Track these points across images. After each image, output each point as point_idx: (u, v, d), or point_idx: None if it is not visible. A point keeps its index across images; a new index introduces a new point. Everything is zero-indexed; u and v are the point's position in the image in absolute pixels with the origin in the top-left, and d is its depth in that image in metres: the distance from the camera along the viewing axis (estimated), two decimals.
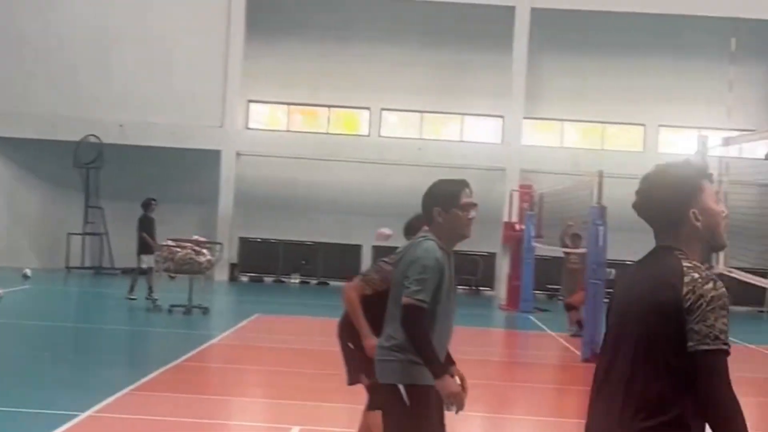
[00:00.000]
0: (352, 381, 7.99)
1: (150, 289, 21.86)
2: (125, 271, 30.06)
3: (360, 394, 8.83)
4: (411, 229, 6.98)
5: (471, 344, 19.15)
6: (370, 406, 7.68)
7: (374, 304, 7.14)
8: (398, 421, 4.51)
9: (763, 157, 30.64)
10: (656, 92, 32.20)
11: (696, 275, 3.69)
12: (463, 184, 6.03)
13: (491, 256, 31.90)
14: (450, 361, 6.07)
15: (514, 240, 27.43)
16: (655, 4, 31.38)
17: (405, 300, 5.55)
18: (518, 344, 21.24)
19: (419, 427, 4.98)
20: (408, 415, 4.29)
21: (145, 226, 22.51)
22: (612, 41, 32.37)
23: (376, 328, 6.71)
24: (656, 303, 3.70)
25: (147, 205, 22.79)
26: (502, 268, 30.27)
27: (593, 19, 31.92)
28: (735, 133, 11.85)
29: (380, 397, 5.86)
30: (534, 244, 25.26)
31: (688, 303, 3.64)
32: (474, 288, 32.35)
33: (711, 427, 3.61)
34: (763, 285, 16.10)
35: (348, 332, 7.86)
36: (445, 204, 5.85)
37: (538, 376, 15.92)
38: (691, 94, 32.04)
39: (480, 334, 21.54)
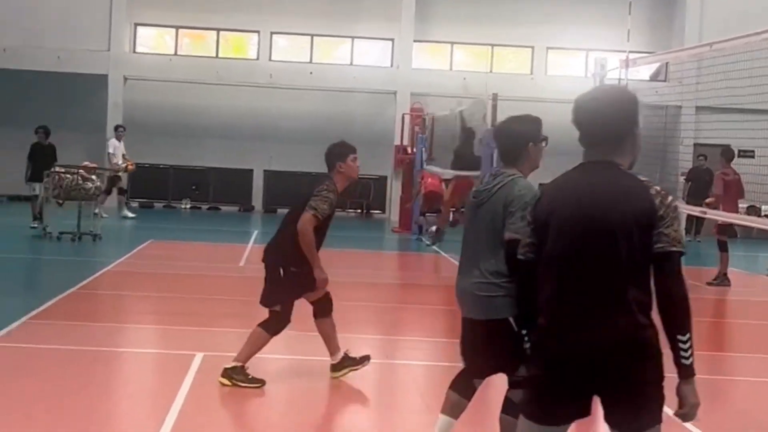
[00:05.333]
0: (268, 304, 8.85)
1: (34, 216, 21.62)
2: (11, 198, 29.67)
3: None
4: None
5: (365, 267, 19.35)
6: (264, 325, 8.80)
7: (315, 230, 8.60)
8: (514, 350, 4.73)
9: (648, 78, 31.28)
10: (545, 15, 32.45)
11: (657, 188, 4.21)
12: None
13: (382, 180, 32.07)
14: None
15: (406, 163, 27.60)
16: None
17: (513, 236, 5.62)
18: (411, 266, 21.48)
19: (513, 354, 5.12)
20: (520, 342, 4.53)
21: (32, 153, 22.25)
22: None
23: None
24: (636, 213, 4.15)
25: (36, 133, 22.55)
26: (394, 191, 30.45)
27: None
28: (633, 56, 12.07)
29: (484, 332, 6.02)
30: (426, 167, 25.41)
31: (660, 211, 4.15)
32: (366, 211, 32.55)
33: (671, 317, 4.20)
34: None
35: (284, 259, 8.73)
36: (536, 139, 6.11)
37: (432, 297, 16.15)
38: (584, 16, 32.30)
39: (373, 257, 21.75)
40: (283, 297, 8.79)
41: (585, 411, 4.32)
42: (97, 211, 24.99)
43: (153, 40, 33.35)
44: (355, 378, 9.98)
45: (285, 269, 8.76)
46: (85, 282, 14.70)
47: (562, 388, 4.26)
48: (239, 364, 8.73)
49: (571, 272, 4.24)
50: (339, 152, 9.02)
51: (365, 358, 9.29)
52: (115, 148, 26.56)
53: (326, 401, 8.71)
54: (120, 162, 26.41)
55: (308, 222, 8.66)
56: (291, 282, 8.76)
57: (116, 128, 27.09)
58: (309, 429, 7.78)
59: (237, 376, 8.68)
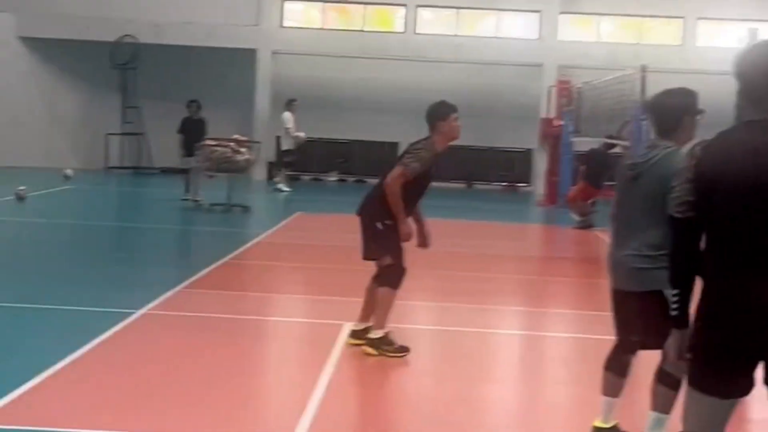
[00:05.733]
0: (373, 258, 9.05)
1: (187, 188, 22.15)
2: (164, 171, 30.47)
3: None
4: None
5: (512, 240, 19.35)
6: (378, 281, 8.98)
7: (403, 188, 8.67)
8: (663, 325, 4.74)
9: None
10: None
11: None
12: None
13: (528, 152, 31.91)
14: None
15: (552, 136, 27.42)
16: None
17: None
18: (556, 239, 21.38)
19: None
20: (668, 318, 4.52)
21: (183, 127, 22.77)
22: None
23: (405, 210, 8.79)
24: None
25: (187, 107, 23.05)
26: (540, 164, 30.26)
27: None
28: None
29: (638, 304, 6.03)
30: (572, 139, 25.22)
31: None
32: (511, 184, 32.46)
33: None
34: None
35: (381, 214, 8.82)
36: (692, 111, 6.10)
37: (577, 270, 16.08)
38: None
39: (519, 230, 21.72)
40: (389, 249, 8.85)
41: (752, 383, 4.22)
42: (279, 186, 25.93)
43: (300, 15, 33.73)
44: (500, 349, 10.08)
45: (382, 223, 8.82)
46: (235, 253, 15.05)
47: (733, 354, 4.16)
48: (382, 332, 8.84)
49: (743, 235, 4.13)
50: (440, 111, 8.97)
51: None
52: (291, 121, 27.09)
53: (470, 372, 8.77)
54: (302, 135, 26.99)
55: (396, 177, 8.70)
56: (391, 233, 8.81)
57: (290, 102, 27.48)
58: (456, 400, 7.85)
59: (383, 345, 8.78)
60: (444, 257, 15.88)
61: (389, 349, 8.77)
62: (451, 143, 9.06)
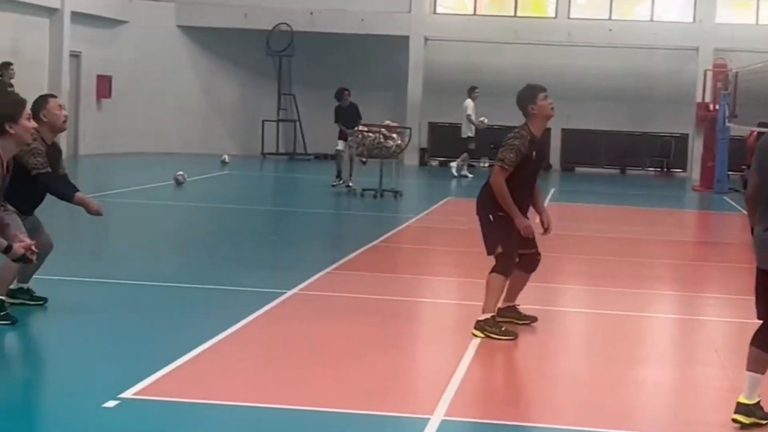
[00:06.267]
0: (491, 251, 8.97)
1: (339, 173, 22.54)
2: (317, 157, 30.96)
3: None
4: None
5: (666, 225, 19.12)
6: (496, 270, 8.83)
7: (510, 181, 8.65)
8: None
9: None
10: None
11: None
12: None
13: (684, 137, 31.38)
14: None
15: (708, 121, 26.92)
16: None
17: None
18: (713, 225, 21.05)
19: None
20: None
21: (338, 116, 23.12)
22: None
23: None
24: None
25: (339, 95, 23.30)
26: (695, 149, 29.73)
27: None
28: None
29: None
30: (728, 124, 24.73)
31: None
32: (666, 169, 31.97)
33: None
34: None
35: (491, 207, 8.89)
36: None
37: (731, 255, 15.80)
38: None
39: (674, 216, 21.44)
40: (500, 239, 8.81)
41: None
42: (460, 173, 26.07)
43: (453, 1, 33.78)
44: (651, 332, 10.06)
45: (494, 215, 8.85)
46: (385, 236, 15.26)
47: None
48: (491, 315, 8.83)
49: None
50: (528, 94, 9.14)
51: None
52: (472, 108, 27.36)
53: (621, 354, 8.74)
54: (485, 120, 27.15)
55: (497, 174, 8.74)
56: (502, 224, 8.80)
57: (472, 89, 27.73)
58: (605, 382, 7.87)
59: (490, 327, 8.77)
60: (597, 242, 15.87)
61: (494, 330, 8.75)
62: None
